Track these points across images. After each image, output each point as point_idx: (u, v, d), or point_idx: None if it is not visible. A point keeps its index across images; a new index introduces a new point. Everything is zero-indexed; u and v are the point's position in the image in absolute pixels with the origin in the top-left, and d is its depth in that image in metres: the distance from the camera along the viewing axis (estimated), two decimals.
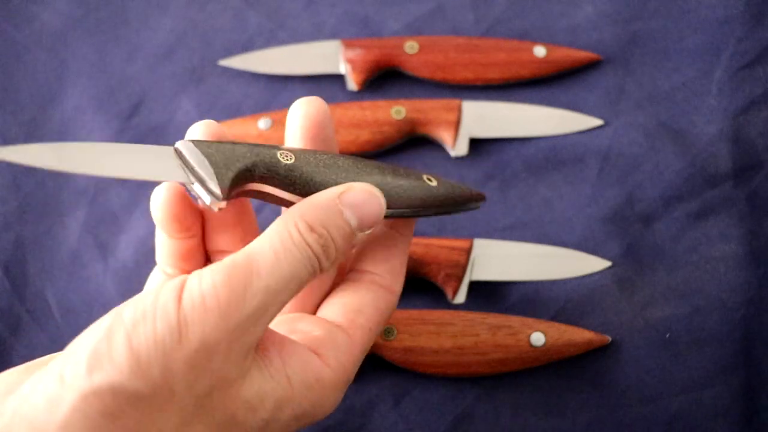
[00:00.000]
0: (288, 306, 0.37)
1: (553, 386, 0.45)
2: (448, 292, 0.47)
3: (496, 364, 0.45)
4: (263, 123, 0.51)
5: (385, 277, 0.38)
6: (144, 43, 0.55)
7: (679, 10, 0.54)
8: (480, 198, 0.39)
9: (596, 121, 0.52)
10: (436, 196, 0.38)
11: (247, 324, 0.30)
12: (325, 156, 0.36)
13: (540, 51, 0.53)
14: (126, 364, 0.28)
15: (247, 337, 0.31)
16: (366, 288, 0.37)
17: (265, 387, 0.32)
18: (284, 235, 0.32)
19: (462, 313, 0.46)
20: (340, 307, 0.36)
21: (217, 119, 0.53)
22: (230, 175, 0.33)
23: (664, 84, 0.53)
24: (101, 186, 0.51)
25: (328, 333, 0.35)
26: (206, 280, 0.30)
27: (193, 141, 0.34)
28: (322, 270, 0.33)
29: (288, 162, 0.35)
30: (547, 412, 0.45)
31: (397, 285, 0.38)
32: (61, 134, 0.53)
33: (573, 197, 0.50)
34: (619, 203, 0.49)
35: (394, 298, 0.38)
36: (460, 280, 0.47)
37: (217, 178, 0.33)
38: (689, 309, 0.46)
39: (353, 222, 0.34)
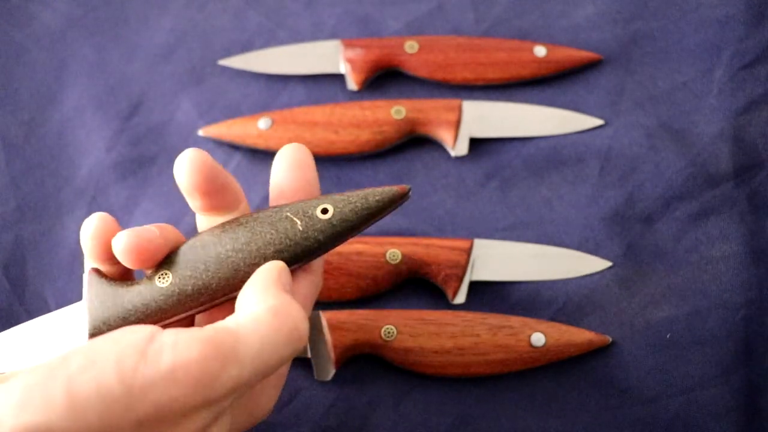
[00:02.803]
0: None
1: (553, 387, 0.45)
2: (448, 293, 0.47)
3: (496, 365, 0.45)
4: (263, 123, 0.51)
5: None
6: (144, 43, 0.55)
7: (680, 10, 0.54)
8: (401, 194, 0.36)
9: (597, 121, 0.52)
10: (331, 230, 0.36)
11: (207, 404, 0.29)
12: (199, 253, 0.35)
13: (540, 51, 0.53)
14: (61, 405, 0.27)
15: (201, 416, 0.30)
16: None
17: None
18: (275, 322, 0.31)
19: (462, 314, 0.46)
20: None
21: (217, 119, 0.53)
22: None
23: (664, 84, 0.53)
24: (101, 186, 0.51)
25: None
26: (182, 348, 0.29)
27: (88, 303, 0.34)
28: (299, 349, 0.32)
29: (164, 285, 0.35)
30: (548, 412, 0.45)
31: (317, 263, 0.37)
32: (61, 134, 0.53)
33: (573, 197, 0.50)
34: (620, 203, 0.49)
35: (317, 279, 0.37)
36: (460, 280, 0.47)
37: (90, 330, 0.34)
38: (690, 309, 0.46)
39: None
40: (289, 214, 0.36)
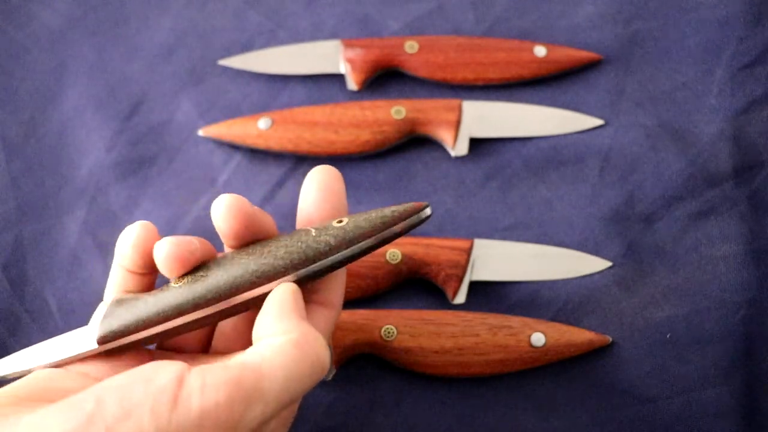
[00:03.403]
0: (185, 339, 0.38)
1: (553, 386, 0.45)
2: (448, 293, 0.47)
3: (496, 365, 0.45)
4: (263, 123, 0.51)
5: (321, 293, 0.37)
6: (144, 42, 0.55)
7: (680, 10, 0.54)
8: (418, 208, 0.36)
9: (597, 121, 0.52)
10: (343, 234, 0.35)
11: None
12: (204, 281, 0.35)
13: (540, 51, 0.53)
14: None
15: None
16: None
17: None
18: (298, 354, 0.31)
19: (462, 314, 0.46)
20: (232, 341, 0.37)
21: (217, 119, 0.53)
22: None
23: (664, 84, 0.53)
24: (101, 186, 0.51)
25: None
26: (209, 394, 0.29)
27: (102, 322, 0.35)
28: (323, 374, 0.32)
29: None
30: (548, 412, 0.45)
31: (336, 298, 0.37)
32: (61, 134, 0.53)
33: (573, 197, 0.50)
34: (620, 203, 0.49)
35: (334, 312, 0.37)
36: (460, 280, 0.47)
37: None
38: (690, 309, 0.46)
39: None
40: (306, 227, 0.36)
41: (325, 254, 0.35)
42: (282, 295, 0.34)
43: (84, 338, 0.36)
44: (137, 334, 0.35)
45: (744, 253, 0.47)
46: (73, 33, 0.56)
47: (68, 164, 0.52)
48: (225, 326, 0.39)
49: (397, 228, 0.36)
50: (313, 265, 0.35)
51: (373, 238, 0.35)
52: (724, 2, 0.54)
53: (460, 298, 0.47)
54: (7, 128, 0.53)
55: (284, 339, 0.31)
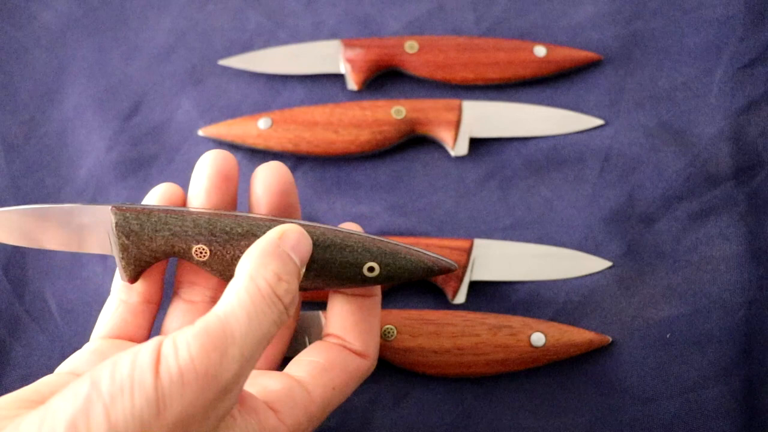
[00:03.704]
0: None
1: (553, 386, 0.45)
2: (448, 293, 0.47)
3: (496, 365, 0.45)
4: (263, 123, 0.51)
5: (354, 343, 0.39)
6: (144, 42, 0.55)
7: (680, 10, 0.54)
8: (445, 271, 0.38)
9: (597, 121, 0.52)
10: (370, 283, 0.37)
11: (225, 392, 0.30)
12: (245, 249, 0.36)
13: (540, 51, 0.53)
14: None
15: (224, 404, 0.31)
16: (337, 350, 0.38)
17: None
18: (254, 293, 0.32)
19: (462, 314, 0.46)
20: (306, 364, 0.38)
21: (217, 119, 0.53)
22: (135, 271, 0.38)
23: (664, 84, 0.53)
24: (101, 186, 0.51)
25: (287, 389, 0.36)
26: (182, 351, 0.30)
27: (117, 221, 0.37)
28: (288, 317, 0.33)
29: (202, 260, 0.37)
30: (548, 412, 0.45)
31: (371, 348, 0.39)
32: (61, 134, 0.53)
33: (573, 197, 0.50)
34: (620, 203, 0.49)
35: (368, 362, 0.39)
36: (460, 280, 0.47)
37: (125, 271, 0.38)
38: (690, 309, 0.46)
39: (297, 263, 0.35)
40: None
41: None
42: (267, 235, 0.35)
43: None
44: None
45: (744, 253, 0.47)
46: (73, 33, 0.56)
47: (68, 164, 0.52)
48: None
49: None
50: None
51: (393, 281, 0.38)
52: (724, 2, 0.54)
53: (460, 298, 0.47)
54: (7, 128, 0.53)
55: (245, 283, 0.32)
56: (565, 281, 0.48)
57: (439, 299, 0.48)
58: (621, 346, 0.46)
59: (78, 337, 0.47)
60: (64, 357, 0.46)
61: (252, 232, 0.36)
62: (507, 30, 0.55)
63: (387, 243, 0.37)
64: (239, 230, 0.37)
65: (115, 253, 0.38)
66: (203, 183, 0.39)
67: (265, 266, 0.33)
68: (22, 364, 0.46)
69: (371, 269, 0.37)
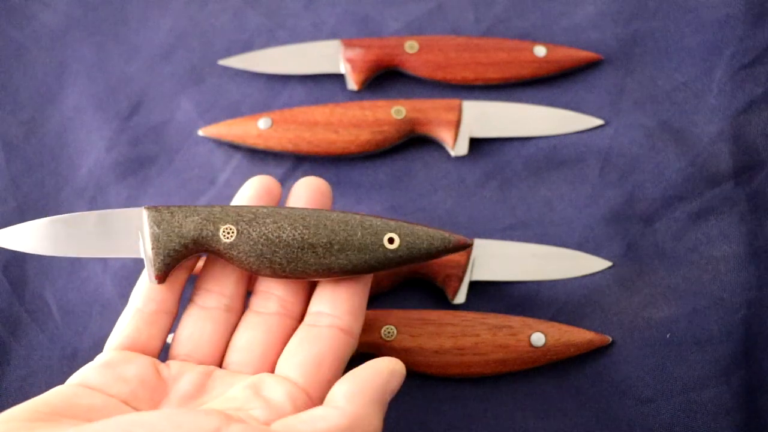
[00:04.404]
0: (250, 361, 0.38)
1: (553, 386, 0.45)
2: (448, 292, 0.47)
3: (496, 365, 0.45)
4: (263, 123, 0.51)
5: (344, 318, 0.38)
6: (143, 42, 0.55)
7: (680, 10, 0.54)
8: (461, 247, 0.39)
9: (597, 121, 0.52)
10: (393, 259, 0.38)
11: None
12: (271, 227, 0.38)
13: (540, 51, 0.53)
14: None
15: None
16: (326, 335, 0.38)
17: None
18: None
19: (462, 314, 0.46)
20: (299, 362, 0.37)
21: (217, 119, 0.53)
22: (164, 264, 0.38)
23: (664, 84, 0.53)
24: (101, 186, 0.51)
25: (291, 401, 0.35)
26: None
27: (149, 213, 0.38)
28: None
29: (229, 240, 0.38)
30: (548, 412, 0.45)
31: (357, 326, 0.39)
32: (61, 134, 0.53)
33: (573, 197, 0.50)
34: (620, 203, 0.49)
35: (354, 340, 0.39)
36: (460, 280, 0.47)
37: (154, 264, 0.38)
38: (690, 309, 0.46)
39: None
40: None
41: (382, 268, 0.39)
42: (377, 373, 0.35)
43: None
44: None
45: (744, 253, 0.47)
46: (73, 33, 0.56)
47: (68, 164, 0.52)
48: (239, 340, 0.39)
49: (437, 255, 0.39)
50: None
51: (412, 261, 0.39)
52: (724, 2, 0.54)
53: (460, 298, 0.47)
54: (7, 128, 0.53)
55: (338, 422, 0.32)
56: (565, 281, 0.48)
57: (439, 299, 0.48)
58: (621, 346, 0.46)
59: (78, 337, 0.47)
60: (64, 357, 0.46)
61: (276, 211, 0.38)
62: (507, 30, 0.55)
63: (405, 221, 0.39)
64: (264, 210, 0.38)
65: (144, 249, 0.38)
66: (245, 199, 0.41)
67: (368, 416, 0.33)
68: (22, 364, 0.46)
69: (391, 240, 0.38)
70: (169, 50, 0.55)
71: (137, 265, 0.48)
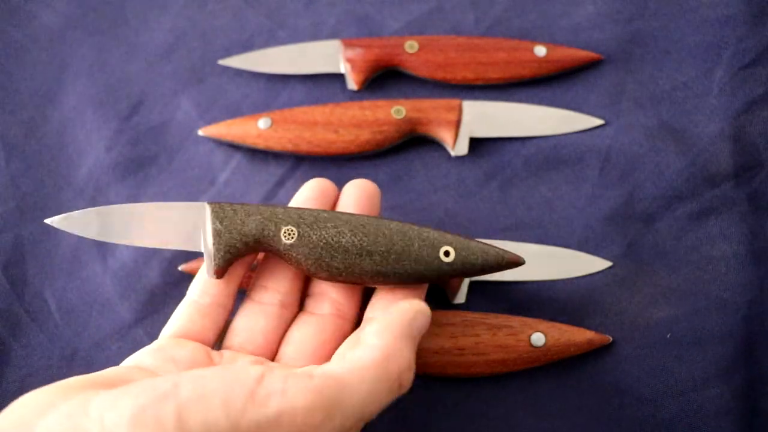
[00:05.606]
0: (302, 356, 0.39)
1: (553, 386, 0.45)
2: (448, 293, 0.47)
3: (496, 365, 0.45)
4: (263, 123, 0.51)
5: (344, 304, 0.40)
6: (143, 42, 0.55)
7: (680, 10, 0.54)
8: (513, 264, 0.40)
9: (597, 121, 0.52)
10: (447, 271, 0.39)
11: None
12: (332, 231, 0.39)
13: (540, 50, 0.53)
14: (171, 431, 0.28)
15: None
16: (329, 322, 0.39)
17: None
18: (381, 375, 0.33)
19: (462, 313, 0.46)
20: (302, 350, 0.38)
21: (217, 119, 0.53)
22: (224, 260, 0.39)
23: (664, 83, 0.53)
24: (101, 186, 0.51)
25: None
26: (289, 397, 0.30)
27: (212, 209, 0.39)
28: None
29: (289, 242, 0.38)
30: (548, 412, 0.45)
31: (353, 311, 0.41)
32: (61, 134, 0.53)
33: (573, 197, 0.50)
34: (620, 203, 0.49)
35: (351, 326, 0.40)
36: (460, 280, 0.47)
37: (214, 259, 0.39)
38: (690, 309, 0.46)
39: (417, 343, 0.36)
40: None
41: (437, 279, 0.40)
42: (402, 312, 0.36)
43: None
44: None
45: (744, 253, 0.47)
46: (73, 33, 0.56)
47: (68, 164, 0.52)
48: (292, 336, 0.40)
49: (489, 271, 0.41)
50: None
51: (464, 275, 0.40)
52: (724, 2, 0.54)
53: (460, 298, 0.47)
54: (7, 128, 0.53)
55: (372, 356, 0.33)
56: (565, 281, 0.48)
57: (439, 299, 0.47)
58: (621, 346, 0.46)
59: (78, 337, 0.47)
60: (63, 357, 0.46)
61: (336, 216, 0.39)
62: (507, 30, 0.55)
63: (460, 235, 0.40)
64: (325, 215, 0.39)
65: (205, 244, 0.39)
66: (302, 200, 0.42)
67: (400, 350, 0.34)
68: (21, 364, 0.46)
69: (447, 253, 0.39)
70: (169, 50, 0.55)
71: (137, 265, 0.48)
